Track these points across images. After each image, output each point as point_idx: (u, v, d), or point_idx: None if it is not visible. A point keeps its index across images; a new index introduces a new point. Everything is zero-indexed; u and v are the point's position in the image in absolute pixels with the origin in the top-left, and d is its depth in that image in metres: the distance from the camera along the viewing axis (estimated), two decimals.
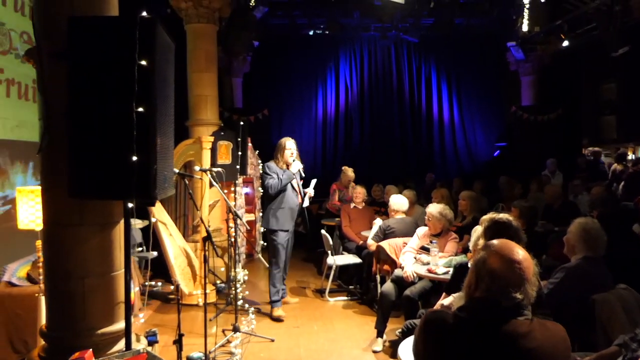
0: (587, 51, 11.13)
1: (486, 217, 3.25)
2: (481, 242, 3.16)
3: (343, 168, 8.90)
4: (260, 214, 8.85)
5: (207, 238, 4.00)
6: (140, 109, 2.40)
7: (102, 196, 2.57)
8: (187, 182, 4.06)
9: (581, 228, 3.48)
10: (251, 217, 8.38)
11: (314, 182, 5.83)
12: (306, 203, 5.74)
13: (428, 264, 4.69)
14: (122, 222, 2.93)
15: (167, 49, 2.71)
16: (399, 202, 6.09)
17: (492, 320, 1.84)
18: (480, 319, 1.87)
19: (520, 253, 1.91)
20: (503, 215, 3.24)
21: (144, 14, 2.42)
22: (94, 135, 2.45)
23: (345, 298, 6.47)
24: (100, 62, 2.44)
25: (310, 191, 5.76)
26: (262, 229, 8.77)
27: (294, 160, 5.57)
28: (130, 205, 2.58)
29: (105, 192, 2.51)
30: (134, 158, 2.41)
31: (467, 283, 2.00)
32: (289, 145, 5.59)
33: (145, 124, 2.41)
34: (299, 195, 5.68)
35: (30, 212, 3.78)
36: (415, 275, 4.72)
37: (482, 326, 1.85)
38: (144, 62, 2.40)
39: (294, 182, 5.63)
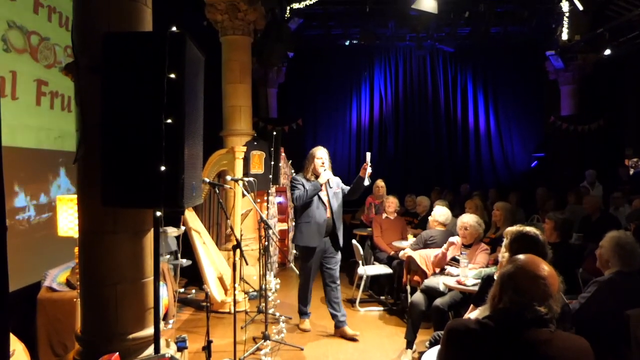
0: (631, 59, 10.81)
1: (512, 230, 3.19)
2: (506, 255, 3.11)
3: (376, 181, 8.91)
4: (293, 224, 8.92)
5: (237, 246, 4.06)
6: (169, 121, 2.48)
7: (133, 205, 2.65)
8: (217, 191, 4.13)
9: (614, 242, 3.39)
10: (284, 226, 8.45)
11: (368, 155, 5.00)
12: (367, 182, 5.01)
13: (458, 275, 4.64)
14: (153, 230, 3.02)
15: (197, 63, 2.79)
16: (443, 213, 6.02)
17: (514, 328, 1.87)
18: (502, 326, 1.90)
19: (545, 269, 1.92)
20: (530, 229, 3.17)
21: (174, 29, 2.51)
22: (125, 145, 2.54)
23: (376, 308, 6.44)
24: (132, 75, 2.54)
25: (368, 167, 4.96)
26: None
27: (324, 170, 5.16)
28: (158, 213, 2.66)
29: (136, 201, 2.59)
30: (163, 168, 2.48)
31: (492, 295, 2.04)
32: (320, 154, 5.22)
33: (173, 135, 2.49)
34: (328, 209, 5.23)
35: (69, 220, 3.91)
36: (442, 286, 4.69)
37: (504, 333, 1.88)
38: (173, 76, 2.48)
39: (323, 195, 5.22)
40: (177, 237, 6.11)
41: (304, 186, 5.14)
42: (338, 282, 5.35)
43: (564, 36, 9.97)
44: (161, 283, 4.86)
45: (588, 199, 7.33)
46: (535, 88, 12.88)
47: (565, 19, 9.83)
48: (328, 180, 5.20)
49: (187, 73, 2.54)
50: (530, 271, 1.92)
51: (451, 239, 4.96)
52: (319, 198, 5.20)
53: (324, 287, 5.40)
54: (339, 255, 5.37)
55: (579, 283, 4.60)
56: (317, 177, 5.19)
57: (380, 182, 8.62)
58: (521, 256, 2.02)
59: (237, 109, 7.51)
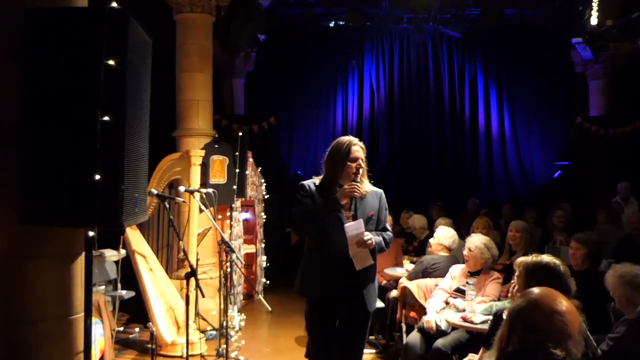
0: None
1: (525, 261, 3.22)
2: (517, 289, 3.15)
3: None
4: (263, 245, 8.90)
5: (192, 274, 4.03)
6: (107, 118, 2.45)
7: (60, 222, 2.61)
8: (168, 205, 4.11)
9: (628, 280, 3.53)
10: (251, 249, 8.42)
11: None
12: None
13: (463, 310, 4.65)
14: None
15: (143, 46, 2.77)
16: (449, 235, 6.01)
17: None
18: None
19: (563, 303, 1.94)
20: (549, 259, 3.20)
21: (114, 4, 2.49)
22: (51, 149, 2.51)
23: (366, 351, 6.42)
24: (61, 62, 2.51)
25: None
26: (264, 264, 8.83)
27: (356, 181, 3.80)
28: (91, 233, 2.63)
29: (63, 218, 2.55)
30: (97, 177, 2.45)
31: (499, 336, 2.06)
32: (356, 150, 3.90)
33: (112, 136, 2.47)
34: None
35: None
36: (444, 324, 4.69)
37: None
38: (112, 62, 2.46)
39: (345, 218, 3.81)
40: (117, 263, 6.04)
41: (312, 199, 3.86)
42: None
43: (593, 21, 10.16)
44: (95, 320, 4.79)
45: (634, 214, 7.38)
46: (559, 83, 13.08)
47: (595, 0, 10.01)
48: (356, 196, 3.85)
49: (130, 59, 2.52)
50: (545, 305, 1.94)
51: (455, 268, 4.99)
52: (339, 221, 3.80)
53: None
54: (365, 317, 3.94)
55: (610, 320, 4.65)
56: (340, 186, 3.82)
57: None
58: (535, 289, 2.04)
59: (195, 104, 7.49)
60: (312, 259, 3.89)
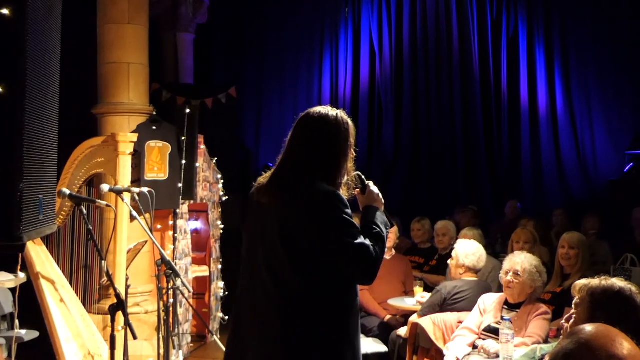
0: None
1: (588, 284, 3.25)
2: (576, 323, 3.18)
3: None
4: (220, 267, 8.89)
5: (118, 307, 4.04)
6: None
7: None
8: (84, 211, 4.10)
9: None
10: (203, 271, 8.41)
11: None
12: None
13: (497, 356, 4.70)
14: None
15: None
16: (471, 252, 6.07)
17: None
18: None
19: (625, 347, 1.95)
20: (621, 283, 3.23)
21: None
22: None
23: None
24: None
25: None
26: (221, 292, 8.83)
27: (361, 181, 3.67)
28: None
29: None
30: None
31: None
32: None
33: (5, 115, 2.47)
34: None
35: None
36: None
37: None
38: (5, 12, 2.46)
39: None
40: (14, 291, 6.02)
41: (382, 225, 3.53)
42: None
43: None
44: None
45: None
46: (632, 40, 13.06)
47: None
48: None
49: (31, 8, 2.53)
50: (600, 349, 1.95)
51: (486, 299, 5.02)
52: None
53: None
54: None
55: None
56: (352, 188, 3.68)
57: None
58: (587, 326, 2.05)
59: (123, 69, 7.46)
60: (353, 330, 3.36)
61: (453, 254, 6.14)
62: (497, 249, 8.40)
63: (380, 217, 3.47)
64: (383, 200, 3.55)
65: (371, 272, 3.23)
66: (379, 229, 3.35)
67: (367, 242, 3.21)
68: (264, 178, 3.50)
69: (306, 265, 3.19)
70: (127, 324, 4.05)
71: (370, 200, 3.51)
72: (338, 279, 3.23)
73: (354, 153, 3.58)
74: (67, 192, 4.78)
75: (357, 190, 3.54)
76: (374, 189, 3.56)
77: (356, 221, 3.28)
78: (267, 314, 3.23)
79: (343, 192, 3.42)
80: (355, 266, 3.18)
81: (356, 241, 3.15)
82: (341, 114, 3.66)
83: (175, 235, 7.26)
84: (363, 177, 3.56)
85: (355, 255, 3.14)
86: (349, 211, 3.25)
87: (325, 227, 3.16)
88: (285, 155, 3.52)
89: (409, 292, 7.04)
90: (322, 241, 3.17)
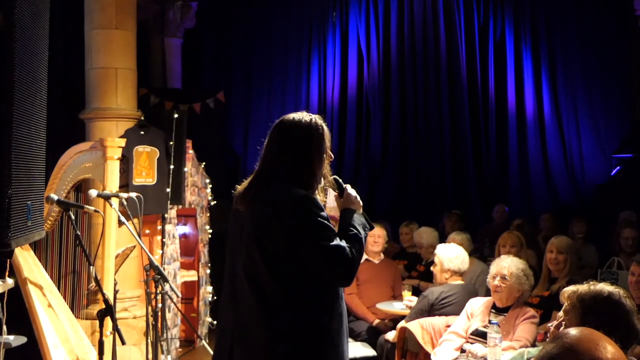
0: None
1: (577, 290, 3.26)
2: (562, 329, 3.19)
3: None
4: (208, 271, 8.88)
5: (107, 312, 4.03)
6: None
7: None
8: (73, 216, 4.10)
9: None
10: (192, 276, 8.40)
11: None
12: None
13: (484, 359, 4.71)
14: None
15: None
16: (455, 255, 6.08)
17: None
18: None
19: (608, 350, 1.96)
20: (610, 288, 3.23)
21: None
22: None
23: None
24: None
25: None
26: (210, 297, 8.82)
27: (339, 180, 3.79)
28: None
29: None
30: None
31: None
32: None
33: None
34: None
35: None
36: None
37: None
38: None
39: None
40: (1, 297, 5.99)
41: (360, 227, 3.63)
42: None
43: None
44: None
45: None
46: (619, 46, 13.14)
47: None
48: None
49: (18, 15, 2.52)
50: (584, 353, 1.95)
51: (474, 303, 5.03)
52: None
53: None
54: None
55: None
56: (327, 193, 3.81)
57: None
58: (571, 330, 2.06)
59: (111, 74, 7.43)
60: (334, 332, 3.44)
61: (435, 260, 6.13)
62: (485, 253, 8.41)
63: (358, 219, 3.56)
64: (361, 203, 3.62)
65: (348, 274, 3.33)
66: (355, 231, 3.44)
67: (343, 243, 3.30)
68: (242, 185, 3.55)
69: (284, 270, 3.28)
70: (116, 329, 4.05)
71: (348, 202, 3.59)
72: (316, 282, 3.32)
73: (331, 157, 3.61)
74: (55, 197, 4.76)
75: (336, 193, 3.62)
76: (352, 191, 3.64)
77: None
78: (249, 321, 3.33)
79: (319, 196, 3.53)
80: (332, 268, 3.28)
81: (331, 243, 3.25)
82: (315, 118, 3.64)
83: (164, 240, 7.24)
84: (340, 180, 3.66)
85: (331, 257, 3.24)
86: (324, 214, 3.35)
87: (299, 231, 3.25)
88: (261, 162, 3.54)
89: (398, 297, 7.06)
90: (298, 245, 3.26)
